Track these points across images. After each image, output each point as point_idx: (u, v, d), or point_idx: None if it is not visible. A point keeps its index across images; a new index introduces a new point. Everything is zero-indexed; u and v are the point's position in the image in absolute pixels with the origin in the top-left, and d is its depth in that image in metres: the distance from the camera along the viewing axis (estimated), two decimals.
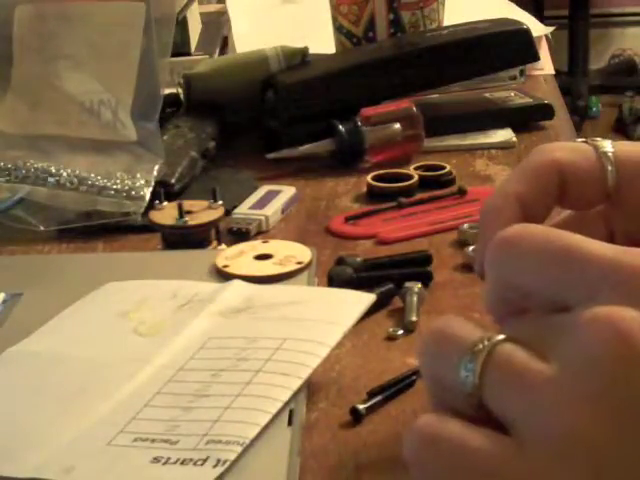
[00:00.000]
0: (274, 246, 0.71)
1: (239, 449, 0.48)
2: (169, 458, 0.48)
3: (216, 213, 0.75)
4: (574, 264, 0.35)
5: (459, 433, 0.33)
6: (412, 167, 0.90)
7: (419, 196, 0.85)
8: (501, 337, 0.34)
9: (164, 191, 0.80)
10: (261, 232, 0.80)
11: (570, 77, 3.56)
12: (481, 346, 0.34)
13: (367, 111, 0.93)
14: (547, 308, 0.36)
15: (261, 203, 0.83)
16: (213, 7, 1.45)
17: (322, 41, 1.11)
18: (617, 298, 0.33)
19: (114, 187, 0.83)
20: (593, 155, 0.47)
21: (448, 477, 0.33)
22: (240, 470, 0.48)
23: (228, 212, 0.79)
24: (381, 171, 0.89)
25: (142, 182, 0.84)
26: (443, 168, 0.89)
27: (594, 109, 3.60)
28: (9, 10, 0.91)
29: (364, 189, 0.88)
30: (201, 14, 1.33)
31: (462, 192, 0.84)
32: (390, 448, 0.52)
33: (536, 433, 0.32)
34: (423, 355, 0.35)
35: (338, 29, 1.10)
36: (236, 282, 0.65)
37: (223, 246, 0.75)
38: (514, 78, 1.09)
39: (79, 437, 0.50)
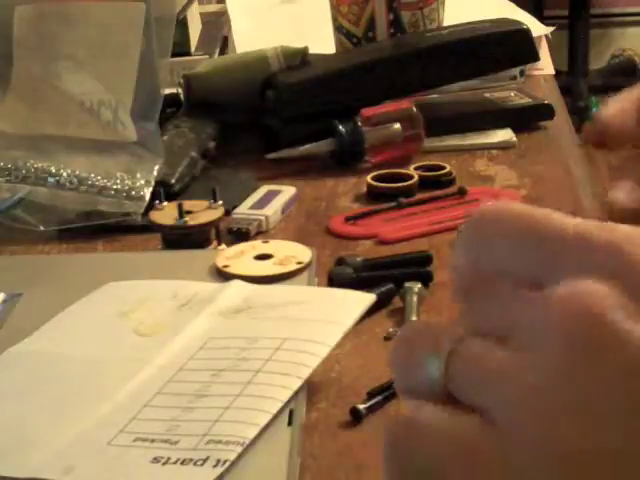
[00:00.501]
0: (274, 246, 0.71)
1: (239, 449, 0.48)
2: (169, 458, 0.48)
3: (216, 213, 0.75)
4: (544, 242, 0.35)
5: (432, 417, 0.34)
6: (412, 167, 0.90)
7: (419, 196, 0.85)
8: (465, 331, 0.34)
9: (164, 191, 0.80)
10: (261, 232, 0.80)
11: (570, 77, 3.56)
12: (445, 343, 0.34)
13: (367, 111, 0.93)
14: (517, 286, 0.36)
15: (261, 203, 0.83)
16: (213, 7, 1.45)
17: (322, 41, 1.11)
18: (587, 276, 0.33)
19: (114, 187, 0.83)
20: None
21: (420, 461, 0.34)
22: (240, 470, 0.48)
23: (228, 212, 0.79)
24: (381, 171, 0.89)
25: (142, 182, 0.84)
26: (443, 168, 0.89)
27: (594, 109, 3.60)
28: (9, 10, 0.91)
29: (364, 189, 0.88)
30: (201, 14, 1.33)
31: (462, 192, 0.84)
32: None
33: (506, 420, 0.32)
34: (393, 365, 0.36)
35: (338, 29, 1.10)
36: (236, 282, 0.65)
37: (223, 246, 0.75)
38: (514, 78, 1.09)
39: (79, 437, 0.50)
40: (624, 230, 0.33)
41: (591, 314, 0.32)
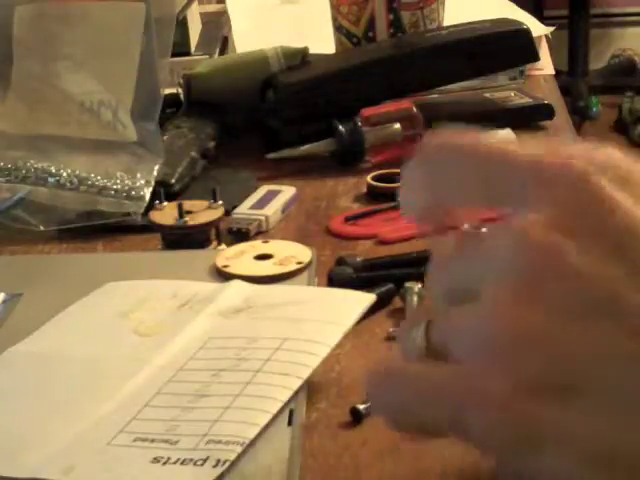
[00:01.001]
0: (274, 246, 0.71)
1: (239, 449, 0.48)
2: (169, 458, 0.48)
3: (216, 213, 0.75)
4: (498, 173, 0.37)
5: (405, 365, 0.38)
6: None
7: None
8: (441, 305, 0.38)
9: (164, 191, 0.80)
10: (261, 232, 0.80)
11: (570, 77, 3.56)
12: (424, 320, 0.38)
13: (367, 111, 0.93)
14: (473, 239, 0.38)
15: (261, 203, 0.83)
16: (213, 7, 1.45)
17: (322, 41, 1.11)
18: (541, 202, 0.35)
19: (114, 187, 0.83)
20: None
21: (397, 402, 0.37)
22: (240, 470, 0.48)
23: (228, 212, 0.79)
24: (381, 171, 0.89)
25: (142, 182, 0.84)
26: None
27: (594, 109, 3.59)
28: (9, 10, 0.91)
29: (364, 189, 0.88)
30: (201, 14, 1.33)
31: None
32: (390, 448, 0.52)
33: (467, 344, 0.35)
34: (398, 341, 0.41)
35: (338, 29, 1.10)
36: (236, 282, 0.64)
37: (223, 246, 0.75)
38: (514, 78, 1.09)
39: (79, 437, 0.50)
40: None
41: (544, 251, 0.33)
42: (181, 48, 1.17)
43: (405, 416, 0.37)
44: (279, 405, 0.51)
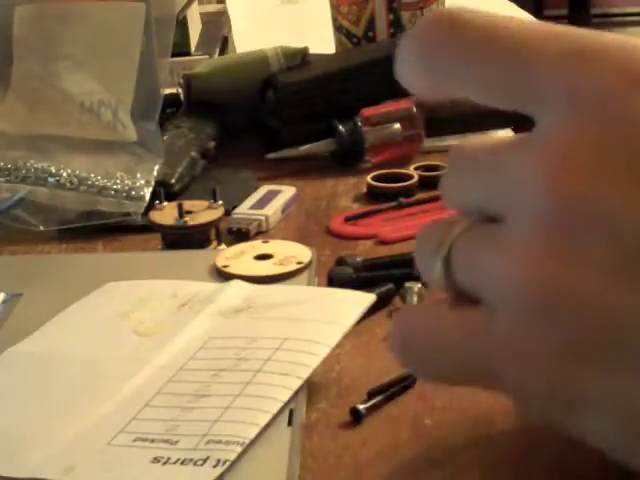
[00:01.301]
0: (274, 246, 0.71)
1: (239, 449, 0.48)
2: (169, 458, 0.48)
3: (216, 213, 0.75)
4: (519, 68, 0.33)
5: (433, 318, 0.36)
6: (412, 167, 0.90)
7: (419, 196, 0.85)
8: (460, 228, 0.35)
9: (164, 191, 0.80)
10: (261, 232, 0.80)
11: None
12: (445, 242, 0.35)
13: (367, 111, 0.93)
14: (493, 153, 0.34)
15: (261, 203, 0.83)
16: (213, 7, 1.45)
17: (322, 41, 1.11)
18: (566, 107, 0.31)
19: (114, 187, 0.83)
20: None
21: (430, 360, 0.35)
22: (240, 470, 0.48)
23: (228, 212, 0.79)
24: (381, 171, 0.89)
25: (142, 182, 0.84)
26: (443, 168, 0.89)
27: None
28: (9, 10, 0.91)
29: (364, 189, 0.88)
30: (201, 14, 1.33)
31: None
32: (390, 448, 0.52)
33: (502, 296, 0.32)
34: (416, 259, 0.38)
35: (338, 29, 1.10)
36: (236, 282, 0.65)
37: (223, 246, 0.75)
38: None
39: (79, 437, 0.50)
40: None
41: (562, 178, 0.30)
42: (181, 48, 1.17)
43: (435, 368, 0.35)
44: (279, 405, 0.51)
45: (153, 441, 0.49)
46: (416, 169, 0.89)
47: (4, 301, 0.66)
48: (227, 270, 0.67)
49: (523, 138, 0.33)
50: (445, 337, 0.35)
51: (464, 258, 0.34)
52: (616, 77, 0.31)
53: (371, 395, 0.56)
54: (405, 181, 0.87)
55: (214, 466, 0.47)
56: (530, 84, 0.32)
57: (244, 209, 0.82)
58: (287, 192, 0.85)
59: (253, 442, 0.49)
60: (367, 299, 0.60)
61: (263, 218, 0.80)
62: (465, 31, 0.34)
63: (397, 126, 0.92)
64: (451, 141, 0.97)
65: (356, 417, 0.55)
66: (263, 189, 0.86)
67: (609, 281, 0.30)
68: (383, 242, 0.78)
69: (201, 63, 1.07)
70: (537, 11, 3.19)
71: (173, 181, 0.87)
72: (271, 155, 0.94)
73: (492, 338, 0.33)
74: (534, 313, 0.31)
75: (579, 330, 0.31)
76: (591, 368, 0.31)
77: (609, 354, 0.30)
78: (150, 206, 0.79)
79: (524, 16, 1.20)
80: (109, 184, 0.84)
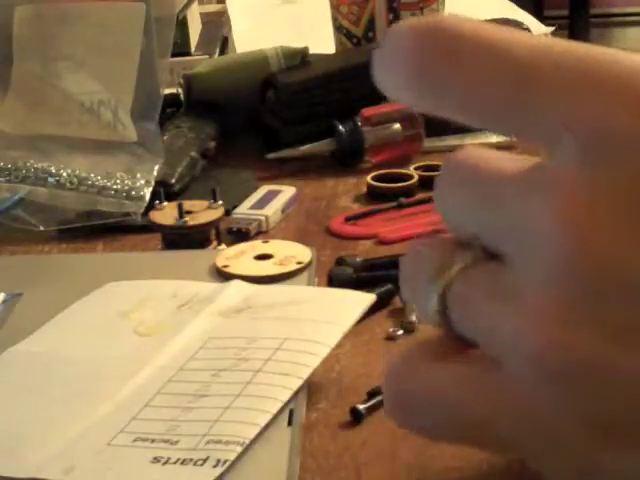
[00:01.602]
0: (274, 246, 0.71)
1: (239, 449, 0.48)
2: (169, 458, 0.48)
3: (216, 213, 0.75)
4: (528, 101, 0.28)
5: (432, 374, 0.31)
6: (412, 167, 0.90)
7: (419, 196, 0.85)
8: (458, 266, 0.31)
9: (164, 191, 0.80)
10: (261, 232, 0.80)
11: None
12: (444, 272, 0.31)
13: (367, 111, 0.93)
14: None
15: (261, 203, 0.83)
16: (213, 7, 1.45)
17: (322, 41, 1.11)
18: (585, 149, 0.27)
19: (114, 187, 0.83)
20: None
21: (432, 422, 0.32)
22: (240, 470, 0.48)
23: (228, 212, 0.79)
24: (381, 171, 0.89)
25: (142, 182, 0.84)
26: None
27: None
28: (9, 10, 0.91)
29: (364, 189, 0.88)
30: (201, 14, 1.33)
31: None
32: (390, 448, 0.52)
33: (512, 357, 0.28)
34: (402, 280, 0.34)
35: (338, 29, 1.10)
36: (236, 282, 0.65)
37: (223, 246, 0.75)
38: None
39: (79, 437, 0.50)
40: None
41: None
42: (181, 48, 1.17)
43: (439, 430, 0.32)
44: (279, 405, 0.51)
45: (153, 441, 0.49)
46: (416, 169, 0.89)
47: (4, 301, 0.66)
48: (227, 270, 0.67)
49: (533, 171, 0.29)
50: (448, 397, 0.31)
51: (464, 304, 0.30)
52: (635, 119, 0.27)
53: (371, 395, 0.56)
54: (405, 181, 0.87)
55: (214, 466, 0.47)
56: (542, 118, 0.29)
57: (244, 209, 0.82)
58: (287, 192, 0.85)
59: (253, 442, 0.49)
60: (367, 299, 0.60)
61: (263, 218, 0.80)
62: (466, 51, 0.29)
63: (397, 126, 0.92)
64: (451, 141, 0.97)
65: (356, 417, 0.55)
66: (263, 189, 0.86)
67: (635, 351, 0.27)
68: (383, 242, 0.78)
69: (201, 63, 1.07)
70: (537, 11, 3.19)
71: (173, 181, 0.87)
72: (271, 155, 0.94)
73: (502, 401, 0.29)
74: (552, 382, 0.28)
75: (605, 403, 0.27)
76: (615, 443, 0.28)
77: (635, 428, 0.28)
78: (150, 206, 0.79)
79: (524, 16, 1.20)
80: (109, 184, 0.84)
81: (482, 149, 0.31)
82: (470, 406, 0.30)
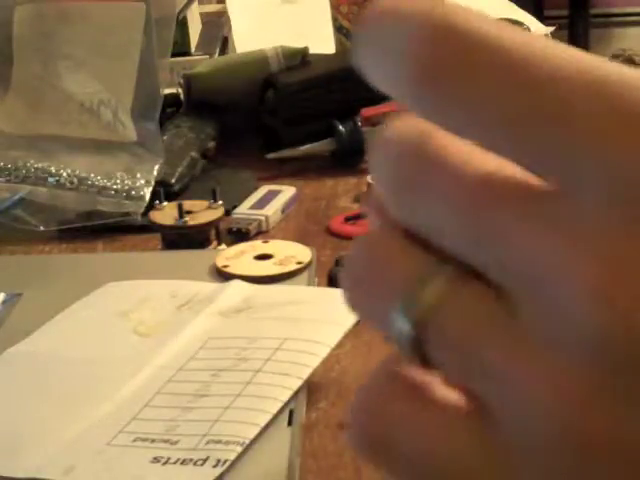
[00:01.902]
0: (274, 246, 0.71)
1: (239, 449, 0.48)
2: (169, 458, 0.48)
3: (216, 213, 0.75)
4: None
5: (411, 415, 0.24)
6: None
7: None
8: (444, 279, 0.23)
9: (164, 191, 0.80)
10: (261, 232, 0.80)
11: None
12: (418, 290, 0.24)
13: (367, 111, 0.93)
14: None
15: (261, 203, 0.83)
16: (213, 7, 1.45)
17: (322, 41, 1.11)
18: (617, 196, 0.21)
19: (114, 187, 0.83)
20: None
21: (414, 471, 0.24)
22: (240, 470, 0.48)
23: (228, 212, 0.79)
24: None
25: (142, 182, 0.84)
26: None
27: None
28: (9, 10, 0.91)
29: (364, 189, 0.88)
30: (201, 14, 1.33)
31: None
32: None
33: (521, 421, 0.22)
34: (347, 292, 0.27)
35: (338, 29, 1.10)
36: (236, 282, 0.65)
37: (223, 246, 0.75)
38: None
39: (79, 437, 0.50)
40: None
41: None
42: (181, 48, 1.17)
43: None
44: (279, 405, 0.51)
45: (153, 441, 0.49)
46: None
47: (4, 301, 0.66)
48: (227, 270, 0.67)
49: (540, 200, 0.22)
50: (435, 453, 0.23)
51: (450, 339, 0.23)
52: None
53: None
54: None
55: (214, 466, 0.47)
56: (569, 156, 0.22)
57: (244, 209, 0.82)
58: (287, 192, 0.85)
59: (253, 442, 0.49)
60: None
61: (263, 218, 0.80)
62: (482, 62, 0.23)
63: None
64: None
65: None
66: (263, 189, 0.86)
67: None
68: None
69: (201, 63, 1.07)
70: (537, 11, 3.19)
71: (173, 181, 0.87)
72: (271, 155, 0.94)
73: (506, 468, 0.22)
74: (574, 461, 0.22)
75: None
76: None
77: None
78: (150, 206, 0.79)
79: (524, 16, 1.20)
80: (109, 184, 0.84)
81: (429, 125, 0.24)
82: (461, 459, 0.23)
